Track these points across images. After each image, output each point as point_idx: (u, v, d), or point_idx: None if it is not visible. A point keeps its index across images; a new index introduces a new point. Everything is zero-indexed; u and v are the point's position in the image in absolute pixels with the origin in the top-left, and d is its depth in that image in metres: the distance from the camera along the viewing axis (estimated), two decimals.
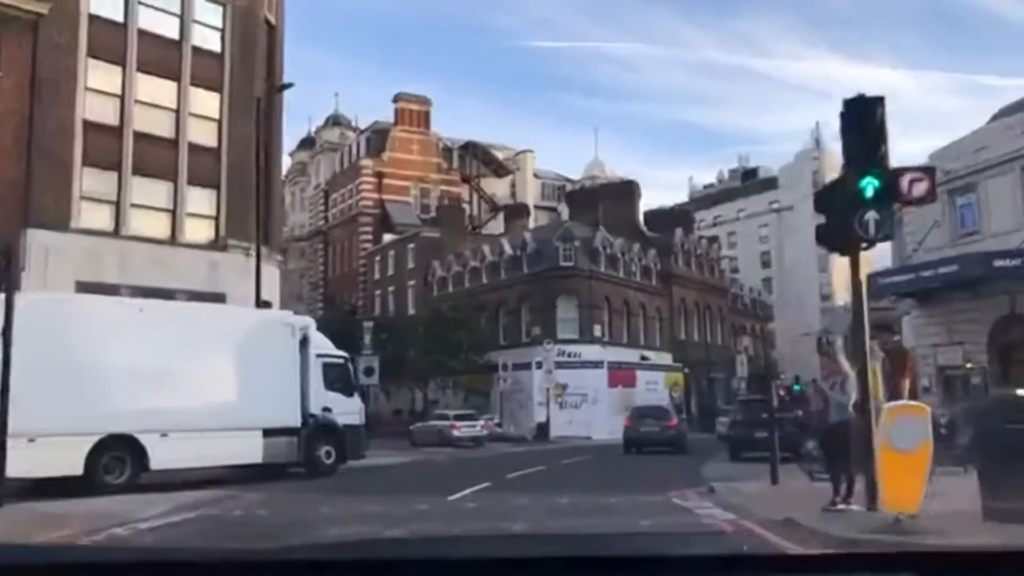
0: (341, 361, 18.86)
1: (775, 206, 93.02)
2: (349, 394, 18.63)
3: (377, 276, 62.49)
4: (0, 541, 2.36)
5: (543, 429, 38.31)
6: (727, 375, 57.04)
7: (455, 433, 31.64)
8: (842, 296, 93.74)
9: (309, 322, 18.92)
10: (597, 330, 43.28)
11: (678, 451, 24.98)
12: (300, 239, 77.83)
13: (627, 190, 52.34)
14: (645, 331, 48.20)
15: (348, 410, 18.06)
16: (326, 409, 17.47)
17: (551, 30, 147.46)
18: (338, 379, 18.29)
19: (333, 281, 70.99)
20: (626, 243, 47.37)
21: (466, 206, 66.17)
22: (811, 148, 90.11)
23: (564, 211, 56.09)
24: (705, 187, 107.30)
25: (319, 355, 17.78)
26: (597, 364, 41.30)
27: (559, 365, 40.44)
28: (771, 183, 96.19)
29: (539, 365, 39.95)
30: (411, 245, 58.06)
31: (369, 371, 29.55)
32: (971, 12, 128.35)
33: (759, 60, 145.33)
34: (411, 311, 52.72)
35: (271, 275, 24.17)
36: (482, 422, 33.62)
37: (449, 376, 42.81)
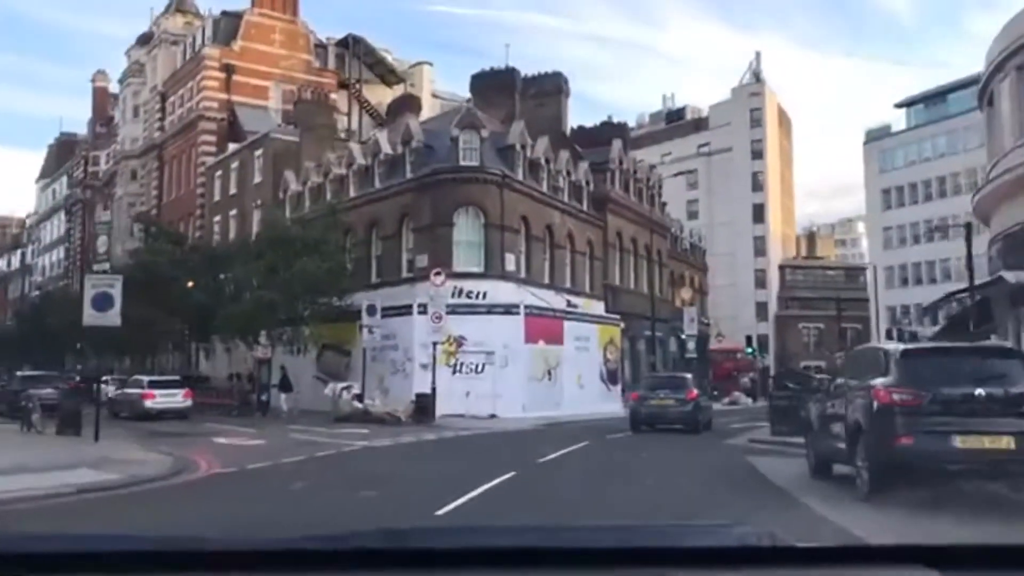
0: None
1: (705, 149, 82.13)
2: None
3: (217, 197, 47.39)
4: None
5: (425, 404, 24.97)
6: (667, 334, 45.10)
7: (147, 404, 26.42)
8: (779, 252, 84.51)
9: None
10: (511, 262, 30.09)
11: (692, 430, 20.45)
12: (131, 156, 61.31)
13: (553, 85, 39.12)
14: (573, 269, 35.37)
15: None
16: None
17: None
18: None
19: (168, 207, 55.22)
20: (552, 147, 34.24)
21: (343, 118, 51.56)
22: (750, 83, 79.60)
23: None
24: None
25: None
26: (510, 309, 28.19)
27: (454, 310, 27.18)
28: (702, 124, 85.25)
29: (422, 309, 26.47)
30: (258, 152, 43.23)
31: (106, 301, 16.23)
32: None
33: None
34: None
35: None
36: (184, 391, 27.38)
37: (289, 326, 28.83)
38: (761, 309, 75.47)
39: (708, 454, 16.38)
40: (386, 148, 32.77)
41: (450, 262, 28.90)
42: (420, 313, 26.68)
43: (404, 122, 32.75)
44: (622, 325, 36.59)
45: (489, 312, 27.87)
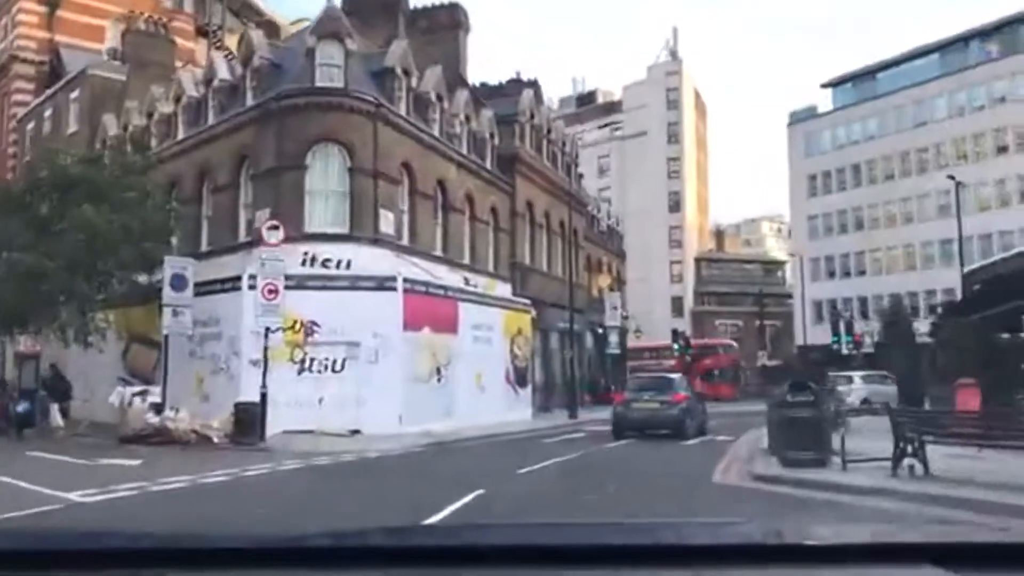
0: None
1: (618, 133, 76.28)
2: None
3: (30, 154, 37.62)
4: None
5: (248, 417, 16.97)
6: (584, 327, 38.19)
7: None
8: (694, 245, 79.49)
9: None
10: (387, 222, 22.29)
11: (680, 435, 18.22)
12: None
13: (449, 18, 31.50)
14: (473, 241, 27.89)
15: None
16: None
17: None
18: None
19: None
20: (447, 85, 26.69)
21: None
22: (666, 61, 74.22)
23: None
24: None
25: None
26: (384, 284, 20.36)
27: (303, 284, 19.31)
28: (614, 107, 79.46)
29: (254, 283, 18.34)
30: (74, 95, 33.94)
31: None
32: None
33: None
34: None
35: None
36: None
37: (71, 308, 20.20)
38: (677, 304, 70.01)
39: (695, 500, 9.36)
40: (222, 72, 24.44)
41: (301, 218, 20.94)
42: (251, 288, 18.57)
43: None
44: (533, 313, 29.39)
45: (354, 287, 20.02)
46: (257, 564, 1.47)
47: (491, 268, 29.06)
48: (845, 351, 38.11)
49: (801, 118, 62.10)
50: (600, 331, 37.38)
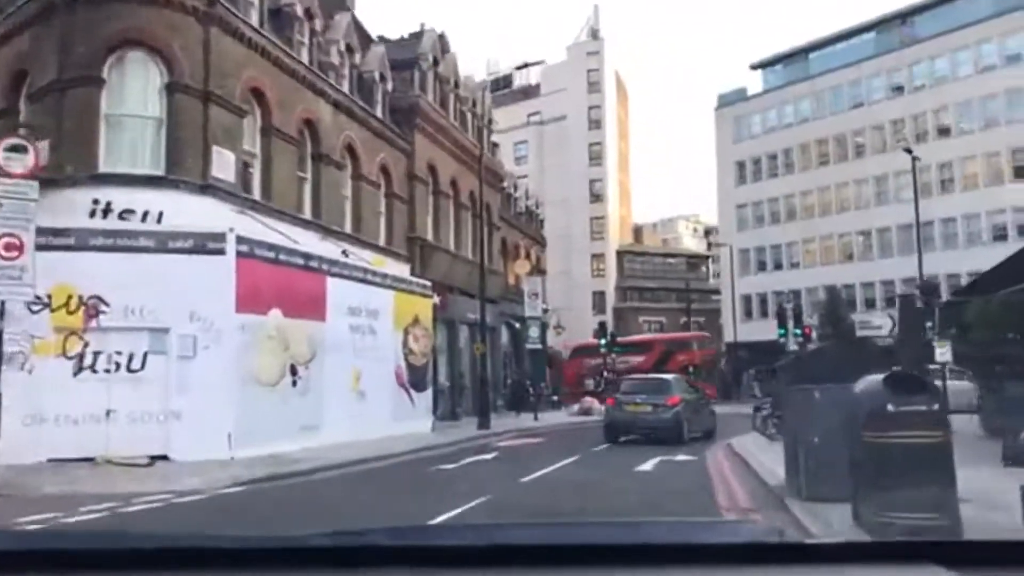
0: None
1: (536, 118, 71.21)
2: None
3: None
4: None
5: None
6: (497, 320, 32.67)
7: None
8: (616, 237, 75.07)
9: None
10: (223, 164, 16.04)
11: (676, 440, 17.11)
12: None
13: None
14: (357, 204, 21.90)
15: None
16: None
17: None
18: None
19: None
20: (320, 5, 20.67)
21: None
22: (586, 41, 69.58)
23: None
24: None
25: None
26: (207, 245, 14.15)
27: (86, 243, 13.09)
28: (532, 91, 74.40)
29: None
30: None
31: None
32: None
33: None
34: None
35: None
36: None
37: None
38: (598, 300, 65.34)
39: None
40: None
41: (92, 153, 14.62)
42: None
43: None
44: (435, 298, 23.67)
45: (164, 249, 13.81)
46: (255, 565, 1.46)
47: (383, 241, 23.18)
48: (793, 346, 33.72)
49: (730, 101, 58.28)
50: (517, 325, 31.98)
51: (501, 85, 79.24)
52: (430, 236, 26.35)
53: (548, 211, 67.86)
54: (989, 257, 20.87)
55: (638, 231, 79.04)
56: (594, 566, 1.43)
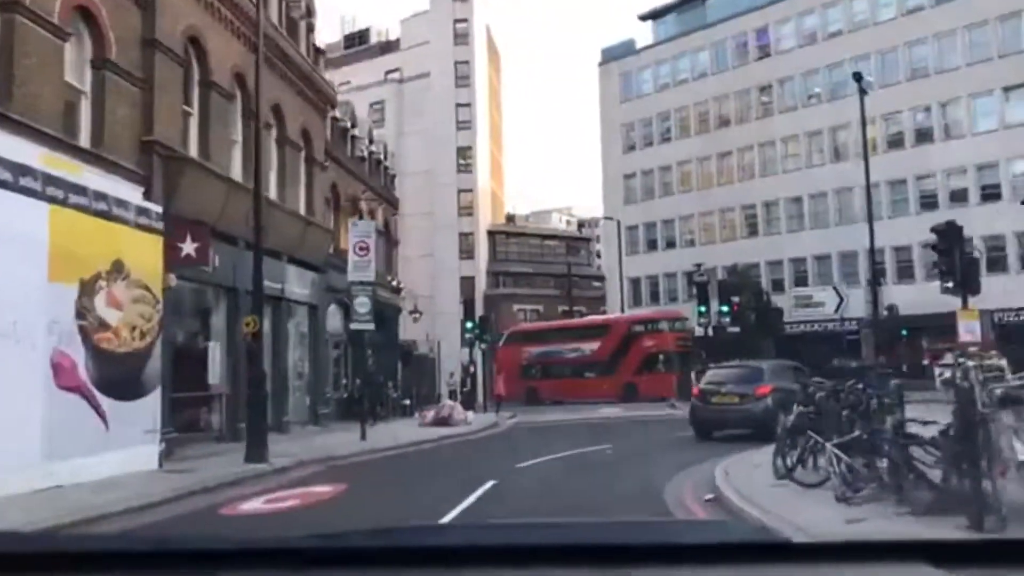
0: None
1: (395, 75, 61.49)
2: None
3: None
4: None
5: None
6: (327, 297, 23.14)
7: None
8: (488, 215, 66.38)
9: None
10: None
11: (765, 436, 12.87)
12: None
13: None
14: (25, 71, 11.75)
15: None
16: None
17: None
18: None
19: None
20: None
21: None
22: None
23: None
24: None
25: None
26: None
27: None
28: (392, 47, 64.72)
29: None
30: None
31: None
32: None
33: None
34: None
35: None
36: None
37: None
38: (467, 286, 56.45)
39: None
40: None
41: None
42: None
43: None
44: (191, 248, 14.05)
45: None
46: (247, 566, 1.45)
47: (90, 142, 13.22)
48: (715, 327, 26.05)
49: (616, 55, 50.77)
50: (346, 300, 22.57)
51: (357, 41, 69.25)
52: (193, 149, 16.52)
53: (409, 183, 58.54)
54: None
55: (511, 220, 70.96)
56: (583, 566, 1.42)
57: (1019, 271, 34.12)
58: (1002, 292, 28.94)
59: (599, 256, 64.30)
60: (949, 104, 36.67)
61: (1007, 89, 34.68)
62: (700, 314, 26.92)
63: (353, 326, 18.68)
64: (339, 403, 25.66)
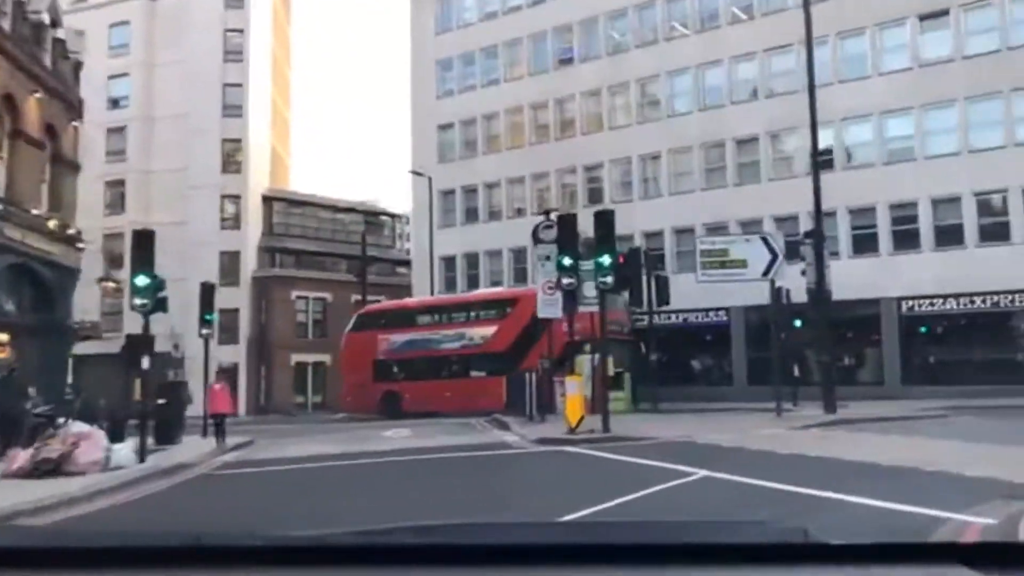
0: None
1: None
2: None
3: None
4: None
5: None
6: None
7: None
8: (264, 177, 52.97)
9: None
10: None
11: None
12: None
13: None
14: None
15: None
16: None
17: None
18: None
19: None
20: None
21: None
22: None
23: None
24: None
25: None
26: None
27: None
28: None
29: None
30: None
31: None
32: None
33: None
34: None
35: None
36: None
37: None
38: (231, 266, 43.32)
39: None
40: None
41: None
42: None
43: None
44: None
45: None
46: (262, 562, 1.44)
47: None
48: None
49: None
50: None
51: None
52: None
53: (159, 128, 44.79)
54: None
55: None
56: (616, 566, 1.41)
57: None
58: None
59: (408, 240, 53.11)
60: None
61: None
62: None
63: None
64: None
